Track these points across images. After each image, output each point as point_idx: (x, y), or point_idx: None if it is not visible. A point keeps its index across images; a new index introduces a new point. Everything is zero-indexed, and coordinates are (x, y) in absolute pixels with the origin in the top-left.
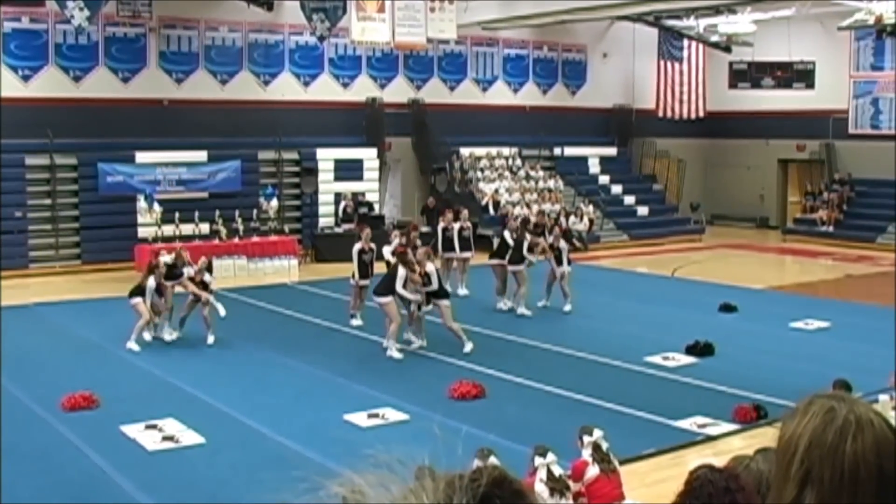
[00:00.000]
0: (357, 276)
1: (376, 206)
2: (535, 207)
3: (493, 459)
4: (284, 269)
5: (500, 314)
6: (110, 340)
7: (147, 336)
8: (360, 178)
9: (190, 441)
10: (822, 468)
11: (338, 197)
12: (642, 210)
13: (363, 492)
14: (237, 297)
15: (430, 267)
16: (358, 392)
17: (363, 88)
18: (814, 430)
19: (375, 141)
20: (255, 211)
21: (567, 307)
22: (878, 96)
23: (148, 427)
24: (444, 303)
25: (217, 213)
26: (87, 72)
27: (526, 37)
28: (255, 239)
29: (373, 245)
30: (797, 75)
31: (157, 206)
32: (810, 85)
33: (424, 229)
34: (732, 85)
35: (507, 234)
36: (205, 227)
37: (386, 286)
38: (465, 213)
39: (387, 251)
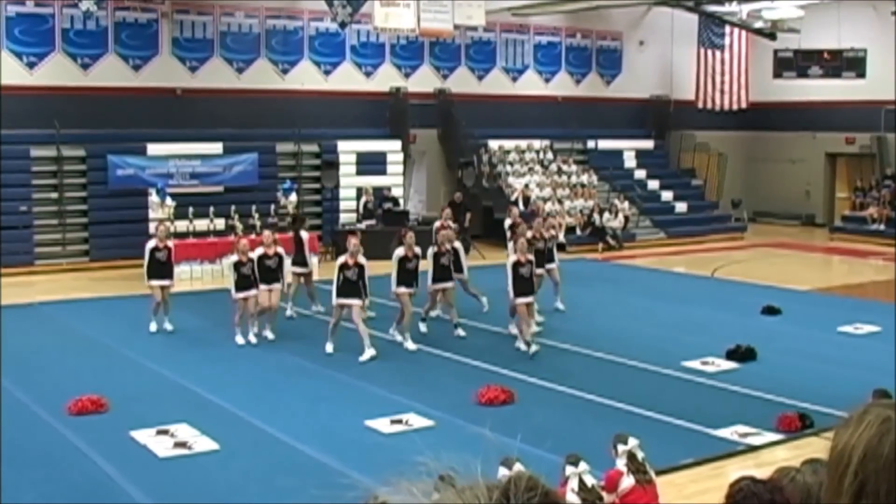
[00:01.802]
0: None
1: (401, 202)
2: (566, 204)
3: (518, 467)
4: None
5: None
6: (119, 341)
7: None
8: (383, 171)
9: (203, 447)
10: (878, 481)
11: (359, 192)
12: (680, 206)
13: (415, 500)
14: None
15: (362, 259)
16: (380, 396)
17: (386, 78)
18: (869, 440)
19: (399, 133)
20: (272, 206)
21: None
22: None
23: (159, 432)
24: (356, 302)
25: (233, 208)
26: (96, 59)
27: (558, 23)
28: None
29: (418, 250)
30: (847, 63)
31: (169, 201)
32: (861, 74)
33: (452, 225)
34: (777, 74)
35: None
36: (220, 223)
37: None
38: (446, 211)
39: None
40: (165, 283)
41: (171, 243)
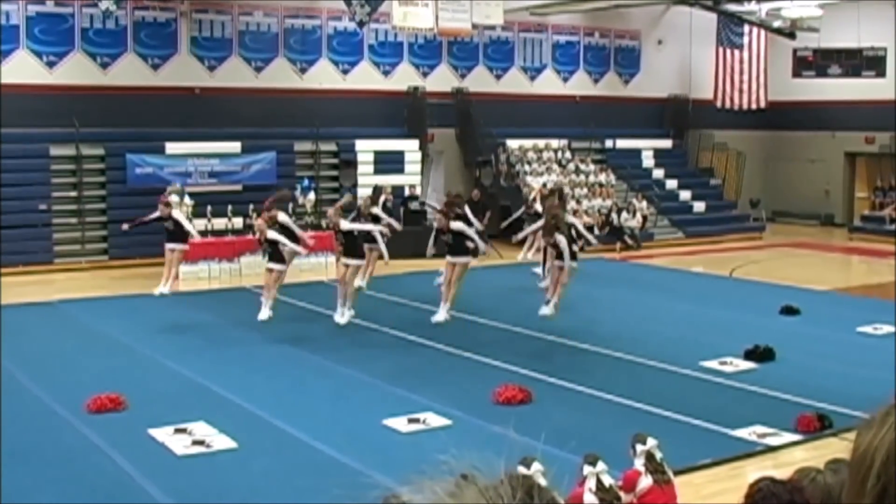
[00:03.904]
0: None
1: (419, 201)
2: (584, 203)
3: (536, 466)
4: (321, 266)
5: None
6: (138, 339)
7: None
8: (401, 171)
9: (221, 446)
10: None
11: (377, 190)
12: (699, 206)
13: (437, 500)
14: None
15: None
16: (397, 395)
17: (405, 77)
18: (891, 442)
19: (417, 132)
20: (290, 205)
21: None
22: None
23: (177, 431)
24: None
25: (251, 206)
26: (115, 58)
27: (576, 22)
28: None
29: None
30: (867, 62)
31: (188, 200)
32: (881, 73)
33: (478, 226)
34: (796, 73)
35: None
36: (238, 222)
37: None
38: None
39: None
40: (172, 245)
41: (175, 213)
